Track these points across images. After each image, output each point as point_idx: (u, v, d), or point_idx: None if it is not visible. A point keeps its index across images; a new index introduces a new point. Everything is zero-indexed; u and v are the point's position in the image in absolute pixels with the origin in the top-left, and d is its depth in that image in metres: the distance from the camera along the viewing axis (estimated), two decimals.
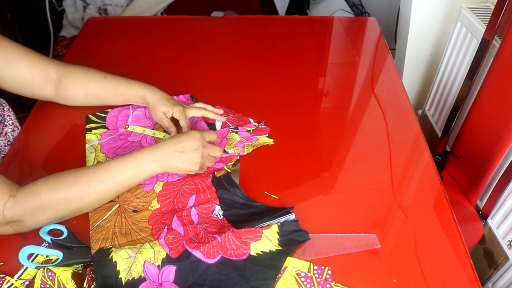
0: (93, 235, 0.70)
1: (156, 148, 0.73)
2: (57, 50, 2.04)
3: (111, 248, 0.67)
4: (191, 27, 1.29)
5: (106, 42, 1.23)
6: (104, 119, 0.93)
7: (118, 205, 0.75)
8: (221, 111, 0.94)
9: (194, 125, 0.93)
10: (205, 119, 0.93)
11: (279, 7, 2.06)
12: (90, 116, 0.93)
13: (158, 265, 0.66)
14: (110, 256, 0.66)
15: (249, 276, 0.64)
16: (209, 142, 0.78)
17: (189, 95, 1.01)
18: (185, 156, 0.73)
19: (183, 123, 0.87)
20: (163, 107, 0.86)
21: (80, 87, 0.89)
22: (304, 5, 2.23)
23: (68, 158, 0.85)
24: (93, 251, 0.67)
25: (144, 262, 0.65)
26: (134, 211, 0.75)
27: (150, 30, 1.29)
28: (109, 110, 0.94)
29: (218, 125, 0.93)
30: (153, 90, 0.89)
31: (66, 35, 2.09)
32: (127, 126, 0.91)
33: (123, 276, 0.64)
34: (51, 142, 0.89)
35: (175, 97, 0.97)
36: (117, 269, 0.64)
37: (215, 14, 2.12)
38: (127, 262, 0.65)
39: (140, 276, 0.64)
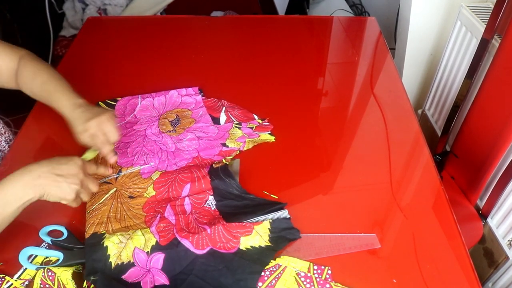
0: (88, 218, 0.71)
1: (28, 170, 0.63)
2: (57, 50, 2.03)
3: (104, 233, 0.69)
4: (191, 27, 1.29)
5: (105, 41, 1.23)
6: (113, 106, 0.96)
7: (115, 189, 0.77)
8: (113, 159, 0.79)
9: (199, 118, 0.93)
10: (210, 113, 0.94)
11: (279, 7, 2.06)
12: (101, 103, 0.96)
13: (147, 252, 0.67)
14: (103, 241, 0.67)
15: (235, 269, 0.65)
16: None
17: (198, 88, 1.02)
18: (62, 181, 0.64)
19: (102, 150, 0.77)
20: (79, 127, 0.75)
21: (29, 84, 0.82)
22: (304, 5, 2.23)
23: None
24: (87, 235, 0.68)
25: (134, 248, 0.67)
26: (130, 197, 0.76)
27: (150, 30, 1.29)
28: (119, 98, 0.97)
29: (222, 119, 0.93)
30: (75, 107, 0.76)
31: (66, 35, 2.09)
32: None
33: (113, 260, 0.65)
34: (51, 140, 0.89)
35: (183, 89, 0.98)
36: (108, 253, 0.66)
37: (215, 14, 2.12)
38: (118, 247, 0.67)
39: (130, 261, 0.66)
